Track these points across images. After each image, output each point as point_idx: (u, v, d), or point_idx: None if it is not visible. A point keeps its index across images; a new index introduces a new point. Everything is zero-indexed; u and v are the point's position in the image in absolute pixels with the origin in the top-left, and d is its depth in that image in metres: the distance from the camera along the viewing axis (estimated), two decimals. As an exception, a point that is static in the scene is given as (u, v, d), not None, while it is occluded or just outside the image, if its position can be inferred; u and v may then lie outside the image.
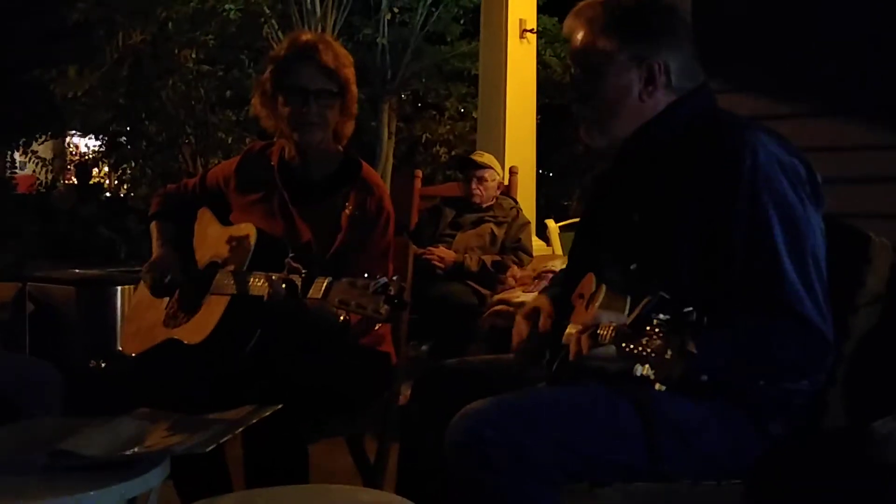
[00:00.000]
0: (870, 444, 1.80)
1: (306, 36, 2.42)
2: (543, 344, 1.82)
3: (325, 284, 1.94)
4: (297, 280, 2.00)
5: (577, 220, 5.60)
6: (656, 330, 1.29)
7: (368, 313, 1.84)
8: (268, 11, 7.76)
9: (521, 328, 1.88)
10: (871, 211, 2.17)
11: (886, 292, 1.81)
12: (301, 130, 2.33)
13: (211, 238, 2.42)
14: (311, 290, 1.97)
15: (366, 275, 1.87)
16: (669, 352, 1.26)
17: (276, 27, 7.82)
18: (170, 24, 7.01)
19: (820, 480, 1.72)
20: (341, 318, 1.93)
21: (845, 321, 1.74)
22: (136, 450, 1.61)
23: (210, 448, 1.61)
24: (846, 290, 1.74)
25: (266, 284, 2.10)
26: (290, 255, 2.12)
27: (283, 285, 2.02)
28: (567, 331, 1.66)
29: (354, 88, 2.39)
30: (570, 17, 1.79)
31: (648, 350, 1.28)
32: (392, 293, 1.82)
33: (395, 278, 1.85)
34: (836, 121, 2.48)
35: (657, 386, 1.27)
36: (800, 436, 1.70)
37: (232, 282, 2.22)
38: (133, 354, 2.41)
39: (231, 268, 2.26)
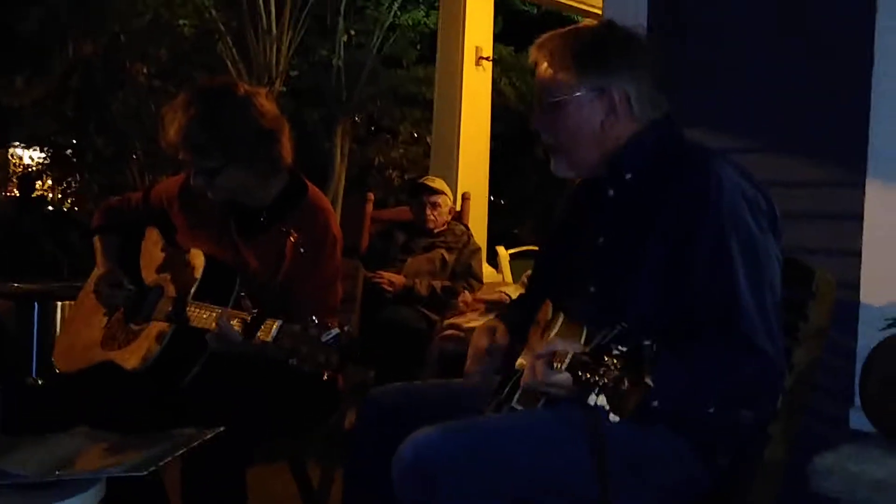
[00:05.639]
0: (811, 478, 1.82)
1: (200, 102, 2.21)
2: (497, 360, 1.82)
3: (275, 327, 1.91)
4: (247, 317, 1.96)
5: (528, 247, 5.64)
6: (614, 360, 1.28)
7: (319, 364, 1.82)
8: (223, 29, 7.71)
9: (479, 341, 1.88)
10: (814, 246, 2.21)
11: (829, 327, 1.84)
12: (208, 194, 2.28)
13: (157, 260, 2.37)
14: (260, 332, 1.93)
15: (315, 319, 1.84)
16: (626, 383, 1.26)
17: (231, 45, 7.76)
18: (122, 36, 6.92)
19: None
20: (290, 362, 1.87)
21: (789, 354, 1.76)
22: (71, 470, 1.57)
23: (149, 470, 1.57)
24: (791, 323, 1.77)
25: (211, 318, 2.06)
26: (239, 288, 2.09)
27: (234, 322, 1.98)
28: (520, 359, 1.65)
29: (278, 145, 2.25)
30: (534, 49, 1.81)
31: (605, 380, 1.27)
32: (344, 344, 1.80)
33: (346, 329, 1.84)
34: (782, 156, 2.53)
35: (611, 416, 1.26)
36: (744, 468, 1.71)
37: (174, 310, 2.17)
38: (62, 371, 2.35)
39: (175, 294, 2.22)
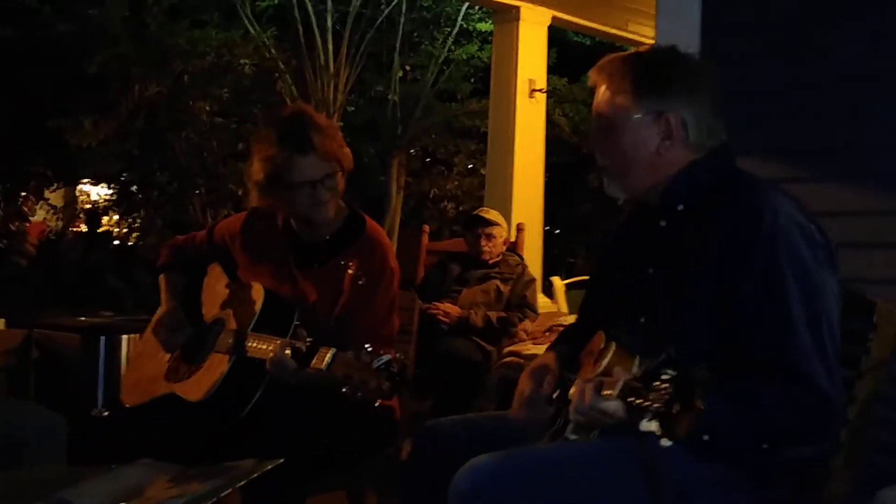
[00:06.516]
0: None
1: (292, 125, 2.32)
2: (544, 407, 1.82)
3: (328, 355, 1.94)
4: (302, 347, 2.00)
5: (583, 277, 5.62)
6: (664, 385, 1.27)
7: (371, 389, 1.84)
8: (282, 66, 7.89)
9: (524, 386, 1.88)
10: (875, 277, 2.17)
11: (891, 358, 1.81)
12: (314, 214, 2.33)
13: (219, 294, 2.43)
14: (314, 360, 1.97)
15: (368, 346, 1.87)
16: (677, 407, 1.25)
17: (290, 82, 7.94)
18: (185, 77, 7.13)
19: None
20: (343, 389, 1.90)
21: (850, 387, 1.73)
22: (135, 502, 1.61)
23: (210, 502, 1.60)
24: (852, 356, 1.74)
25: (269, 349, 2.10)
26: (297, 320, 2.14)
27: (288, 351, 2.02)
28: (572, 390, 1.65)
29: (346, 148, 2.39)
30: (594, 71, 1.81)
31: (656, 405, 1.26)
32: (395, 370, 1.83)
33: (398, 355, 1.86)
34: (840, 186, 2.50)
35: (662, 441, 1.25)
36: (804, 502, 1.68)
37: (234, 342, 2.23)
38: (130, 406, 2.41)
39: (235, 327, 2.27)
